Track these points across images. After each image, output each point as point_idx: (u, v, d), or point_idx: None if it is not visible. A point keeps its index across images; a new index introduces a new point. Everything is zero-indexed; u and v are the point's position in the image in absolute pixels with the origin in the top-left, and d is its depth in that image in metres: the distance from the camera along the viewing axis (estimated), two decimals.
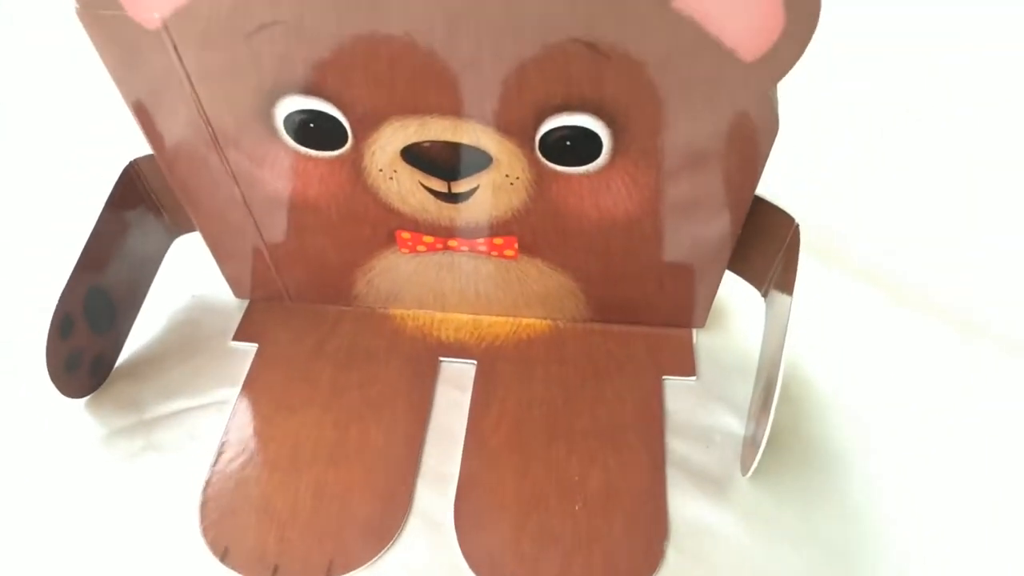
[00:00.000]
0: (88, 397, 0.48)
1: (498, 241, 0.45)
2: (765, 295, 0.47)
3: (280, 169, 0.41)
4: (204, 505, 0.43)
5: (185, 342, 0.51)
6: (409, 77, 0.35)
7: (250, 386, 0.48)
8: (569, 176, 0.39)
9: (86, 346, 0.46)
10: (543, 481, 0.43)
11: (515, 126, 0.37)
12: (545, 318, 0.51)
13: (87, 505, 0.43)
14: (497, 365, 0.49)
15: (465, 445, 0.45)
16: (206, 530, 0.42)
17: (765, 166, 0.38)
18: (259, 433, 0.46)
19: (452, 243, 0.45)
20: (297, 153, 0.40)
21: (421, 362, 0.49)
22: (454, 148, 0.38)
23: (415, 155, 0.39)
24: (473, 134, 0.37)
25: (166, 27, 0.34)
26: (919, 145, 0.63)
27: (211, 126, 0.39)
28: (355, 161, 0.40)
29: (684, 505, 0.42)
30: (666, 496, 0.43)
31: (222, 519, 0.42)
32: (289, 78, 0.36)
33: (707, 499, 0.43)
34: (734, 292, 0.49)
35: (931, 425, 0.46)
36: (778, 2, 0.30)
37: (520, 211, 0.42)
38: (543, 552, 0.41)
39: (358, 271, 0.49)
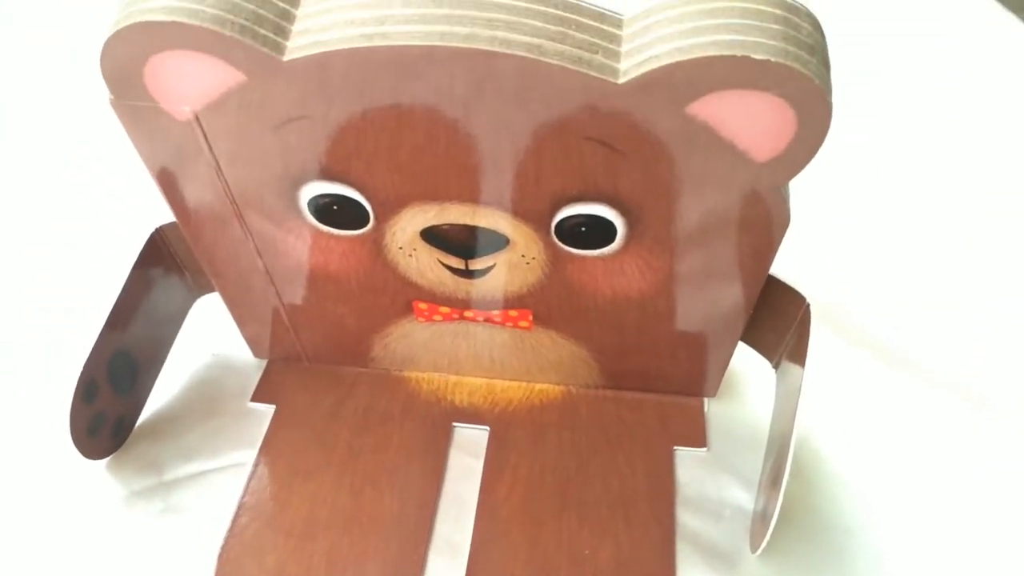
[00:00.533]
0: (109, 458, 0.48)
1: (513, 313, 0.45)
2: (776, 367, 0.47)
3: (303, 244, 0.42)
4: (219, 571, 0.43)
5: (204, 402, 0.52)
6: (431, 166, 0.36)
7: (267, 449, 0.49)
8: (584, 258, 0.40)
9: (109, 409, 0.47)
10: (554, 554, 0.44)
11: (532, 213, 0.38)
12: (558, 383, 0.52)
13: (106, 567, 0.44)
14: (510, 431, 0.50)
15: (477, 514, 0.46)
16: None
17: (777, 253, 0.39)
18: (275, 497, 0.47)
19: (468, 314, 0.46)
20: (320, 231, 0.41)
21: (435, 427, 0.50)
22: (472, 230, 0.39)
23: (434, 235, 0.40)
24: (491, 219, 0.38)
25: (197, 119, 0.35)
26: (919, 209, 0.63)
27: (236, 204, 0.40)
28: (376, 239, 0.41)
29: None
30: (675, 573, 0.43)
31: None
32: (314, 166, 0.37)
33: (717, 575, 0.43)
34: (745, 361, 0.49)
35: (938, 499, 0.46)
36: (790, 110, 0.31)
37: (535, 287, 0.43)
38: None
39: (375, 336, 0.50)
